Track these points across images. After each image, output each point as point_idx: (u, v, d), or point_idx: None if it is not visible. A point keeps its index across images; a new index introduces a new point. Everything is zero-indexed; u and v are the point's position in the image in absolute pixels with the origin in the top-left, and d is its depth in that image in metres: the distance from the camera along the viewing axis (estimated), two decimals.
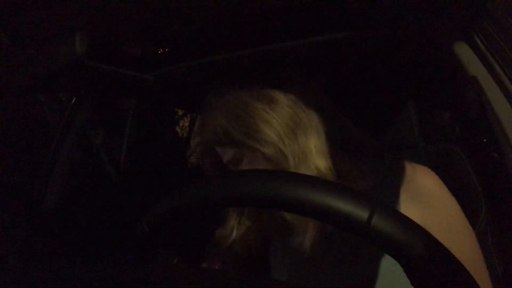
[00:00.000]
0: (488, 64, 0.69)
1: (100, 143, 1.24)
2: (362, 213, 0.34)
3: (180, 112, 2.94)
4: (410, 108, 0.97)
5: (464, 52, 0.73)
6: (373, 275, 0.64)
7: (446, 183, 0.71)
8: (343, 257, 0.68)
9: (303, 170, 0.66)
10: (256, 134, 0.66)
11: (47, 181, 1.04)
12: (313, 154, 0.67)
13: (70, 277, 0.43)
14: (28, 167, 1.09)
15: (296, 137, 0.67)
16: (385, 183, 0.68)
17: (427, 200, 0.65)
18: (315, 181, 0.37)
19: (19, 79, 0.76)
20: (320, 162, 0.67)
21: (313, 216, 0.37)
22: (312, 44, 0.78)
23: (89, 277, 0.42)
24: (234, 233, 0.75)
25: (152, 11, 0.65)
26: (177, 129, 2.88)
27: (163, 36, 0.79)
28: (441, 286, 0.33)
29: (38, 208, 1.01)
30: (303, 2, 0.65)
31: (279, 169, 0.67)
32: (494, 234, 0.72)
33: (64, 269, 0.46)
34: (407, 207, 0.65)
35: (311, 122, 0.69)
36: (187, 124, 3.06)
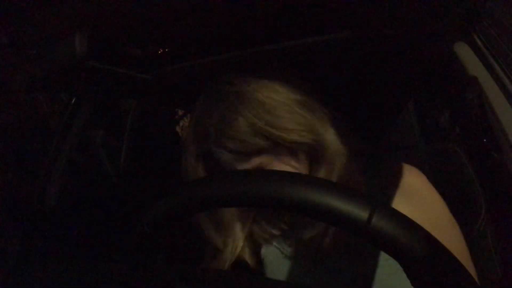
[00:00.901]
0: (488, 64, 0.69)
1: (100, 143, 1.24)
2: (362, 213, 0.34)
3: (180, 112, 2.93)
4: (410, 108, 0.97)
5: (464, 52, 0.73)
6: (371, 279, 0.64)
7: (446, 183, 0.71)
8: (340, 261, 0.68)
9: (339, 162, 0.66)
10: (291, 124, 0.63)
11: (47, 181, 1.04)
12: (341, 147, 0.68)
13: (70, 277, 0.43)
14: (28, 167, 1.09)
15: (328, 128, 0.67)
16: (377, 182, 0.69)
17: (416, 198, 0.68)
18: (315, 181, 0.37)
19: (19, 79, 0.75)
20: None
21: (313, 216, 0.37)
22: (312, 44, 0.78)
23: (89, 277, 0.42)
24: (225, 247, 0.71)
25: (152, 11, 0.65)
26: (177, 129, 2.88)
27: (163, 36, 0.79)
28: (441, 286, 0.33)
29: (38, 208, 1.01)
30: (303, 2, 0.65)
31: (317, 159, 0.66)
32: (494, 234, 0.72)
33: (64, 269, 0.46)
34: (398, 205, 0.66)
35: (329, 117, 0.69)
36: (187, 124, 3.05)
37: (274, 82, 0.66)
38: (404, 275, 0.35)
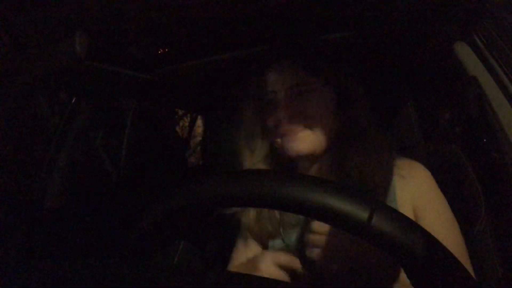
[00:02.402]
0: (488, 64, 0.69)
1: (100, 143, 1.24)
2: (362, 213, 0.34)
3: (180, 112, 2.94)
4: (410, 108, 0.97)
5: (464, 52, 0.73)
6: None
7: (446, 183, 0.72)
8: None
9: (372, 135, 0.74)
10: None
11: (47, 181, 1.04)
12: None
13: (70, 277, 0.43)
14: (28, 167, 1.09)
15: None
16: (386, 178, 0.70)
17: (419, 191, 0.70)
18: (315, 181, 0.37)
19: (19, 79, 0.75)
20: None
21: (314, 216, 0.37)
22: (312, 44, 0.78)
23: (89, 277, 0.42)
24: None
25: (152, 11, 0.65)
26: (177, 129, 2.88)
27: (163, 36, 0.79)
28: (441, 286, 0.33)
29: (38, 208, 1.01)
30: (303, 2, 0.65)
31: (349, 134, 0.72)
32: (494, 234, 0.72)
33: (64, 269, 0.46)
34: (402, 199, 0.70)
35: None
36: (187, 124, 3.06)
37: None
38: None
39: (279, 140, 0.74)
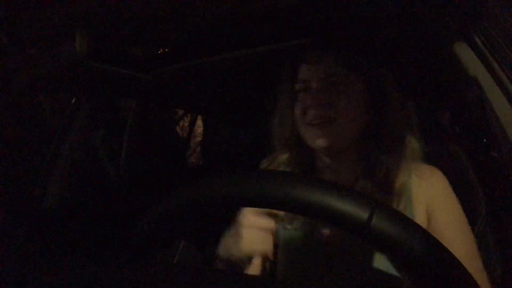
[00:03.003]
0: (488, 64, 0.69)
1: (100, 143, 1.24)
2: (361, 214, 0.34)
3: (180, 112, 2.94)
4: (410, 108, 0.97)
5: (464, 52, 0.73)
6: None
7: None
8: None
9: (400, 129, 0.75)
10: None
11: (47, 181, 1.04)
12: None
13: (70, 277, 0.43)
14: (28, 167, 1.09)
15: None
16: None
17: (435, 192, 0.69)
18: (315, 182, 0.37)
19: (19, 79, 0.75)
20: None
21: (314, 216, 0.37)
22: (311, 43, 0.78)
23: (88, 277, 0.42)
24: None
25: (152, 12, 0.65)
26: (177, 129, 2.88)
27: (163, 36, 0.79)
28: (441, 286, 0.33)
29: (38, 208, 1.01)
30: (303, 2, 0.65)
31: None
32: (494, 234, 0.72)
33: (64, 269, 0.46)
34: (418, 199, 0.69)
35: None
36: (187, 124, 3.06)
37: None
38: None
39: (304, 129, 0.73)
